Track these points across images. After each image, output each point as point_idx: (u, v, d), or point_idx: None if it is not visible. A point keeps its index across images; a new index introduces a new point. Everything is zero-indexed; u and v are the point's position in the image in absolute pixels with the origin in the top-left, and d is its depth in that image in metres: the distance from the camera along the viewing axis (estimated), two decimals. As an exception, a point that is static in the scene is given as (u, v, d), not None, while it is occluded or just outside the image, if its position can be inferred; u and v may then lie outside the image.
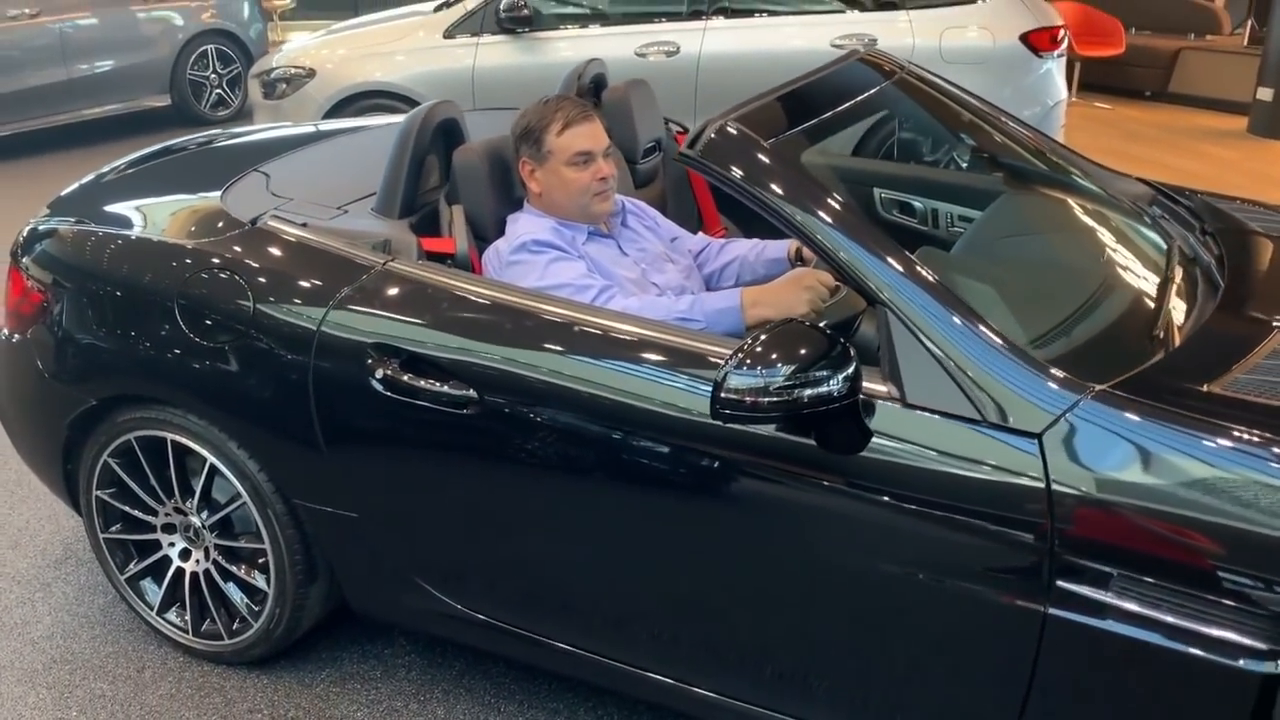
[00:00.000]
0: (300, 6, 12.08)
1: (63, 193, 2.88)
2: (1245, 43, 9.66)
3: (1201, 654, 1.60)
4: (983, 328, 1.77)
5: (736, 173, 1.91)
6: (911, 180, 3.18)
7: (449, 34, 5.72)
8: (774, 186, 1.89)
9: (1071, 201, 2.63)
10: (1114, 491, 1.65)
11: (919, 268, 1.82)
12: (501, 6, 5.59)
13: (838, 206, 1.89)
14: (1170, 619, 1.62)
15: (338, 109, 5.71)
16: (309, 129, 3.50)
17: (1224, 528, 1.60)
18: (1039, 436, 1.69)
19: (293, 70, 5.87)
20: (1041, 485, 1.68)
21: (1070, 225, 2.53)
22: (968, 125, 2.75)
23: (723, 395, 1.70)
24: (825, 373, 1.68)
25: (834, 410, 1.70)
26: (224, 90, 8.54)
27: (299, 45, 6.29)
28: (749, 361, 1.69)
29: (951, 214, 3.02)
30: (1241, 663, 1.58)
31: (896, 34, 5.40)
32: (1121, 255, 2.34)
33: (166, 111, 8.26)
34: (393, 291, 2.15)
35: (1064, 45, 5.51)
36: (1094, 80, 9.42)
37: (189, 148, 3.23)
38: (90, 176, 3.01)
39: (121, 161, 3.14)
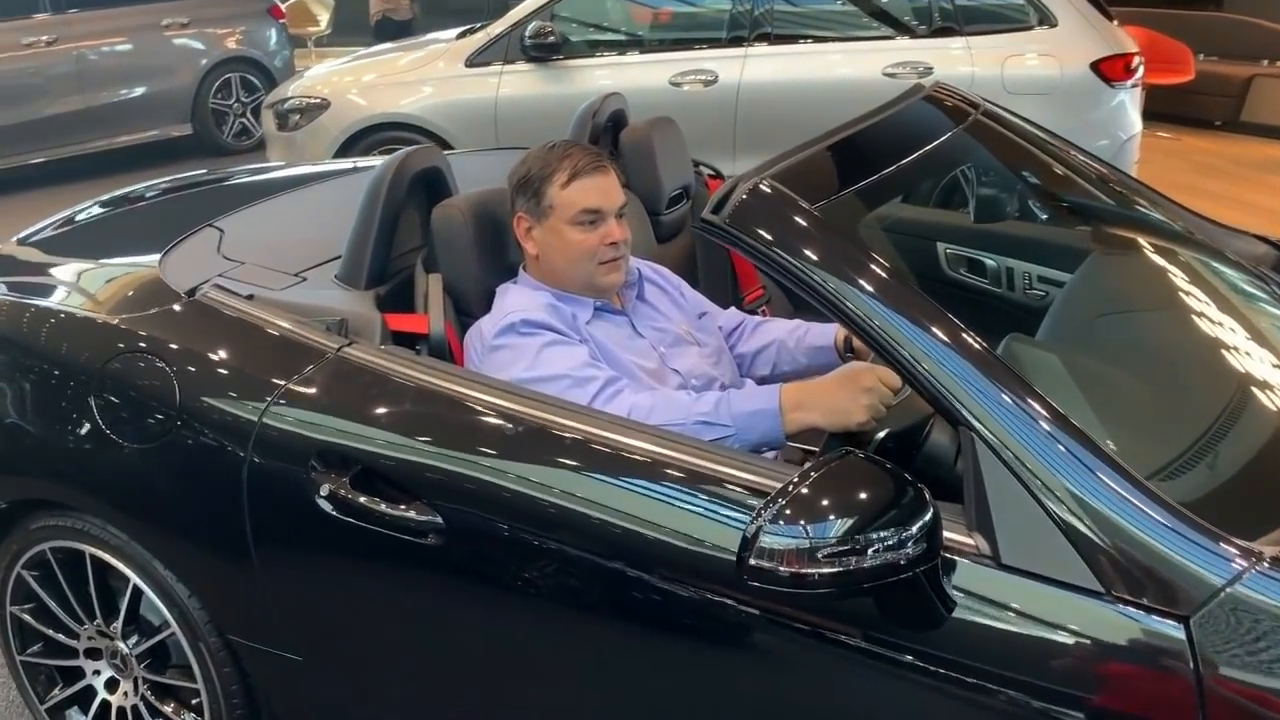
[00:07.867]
0: (336, 32, 11.76)
1: None
2: (1325, 69, 9.11)
3: None
4: (1112, 467, 1.32)
5: (773, 248, 1.48)
6: (981, 233, 2.72)
7: (471, 62, 5.36)
8: (825, 266, 1.46)
9: (1179, 269, 2.15)
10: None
11: (1022, 384, 1.37)
12: (527, 33, 5.22)
13: (914, 298, 1.45)
14: None
15: (353, 142, 5.37)
16: (299, 170, 3.13)
17: None
18: (1187, 619, 1.24)
19: (308, 100, 5.54)
20: (1191, 680, 1.24)
21: (1181, 301, 2.06)
22: (1052, 175, 2.30)
23: (753, 562, 1.26)
24: (891, 531, 1.24)
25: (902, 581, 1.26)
26: (248, 119, 8.25)
27: (316, 73, 5.95)
28: (789, 511, 1.26)
29: (1030, 274, 2.57)
30: None
31: (954, 62, 4.98)
32: (1256, 346, 1.86)
33: (188, 141, 8.00)
34: (345, 385, 1.74)
35: (1138, 75, 5.04)
36: (1158, 109, 8.85)
37: (169, 190, 2.86)
38: (43, 224, 2.65)
39: (85, 205, 2.79)
